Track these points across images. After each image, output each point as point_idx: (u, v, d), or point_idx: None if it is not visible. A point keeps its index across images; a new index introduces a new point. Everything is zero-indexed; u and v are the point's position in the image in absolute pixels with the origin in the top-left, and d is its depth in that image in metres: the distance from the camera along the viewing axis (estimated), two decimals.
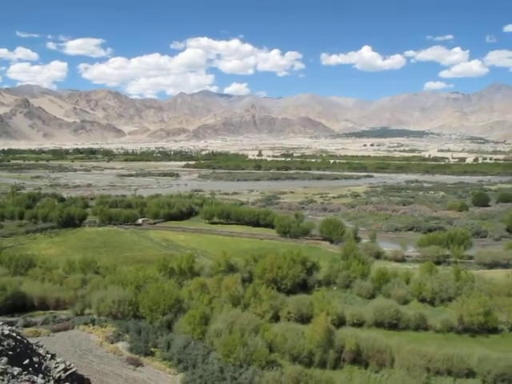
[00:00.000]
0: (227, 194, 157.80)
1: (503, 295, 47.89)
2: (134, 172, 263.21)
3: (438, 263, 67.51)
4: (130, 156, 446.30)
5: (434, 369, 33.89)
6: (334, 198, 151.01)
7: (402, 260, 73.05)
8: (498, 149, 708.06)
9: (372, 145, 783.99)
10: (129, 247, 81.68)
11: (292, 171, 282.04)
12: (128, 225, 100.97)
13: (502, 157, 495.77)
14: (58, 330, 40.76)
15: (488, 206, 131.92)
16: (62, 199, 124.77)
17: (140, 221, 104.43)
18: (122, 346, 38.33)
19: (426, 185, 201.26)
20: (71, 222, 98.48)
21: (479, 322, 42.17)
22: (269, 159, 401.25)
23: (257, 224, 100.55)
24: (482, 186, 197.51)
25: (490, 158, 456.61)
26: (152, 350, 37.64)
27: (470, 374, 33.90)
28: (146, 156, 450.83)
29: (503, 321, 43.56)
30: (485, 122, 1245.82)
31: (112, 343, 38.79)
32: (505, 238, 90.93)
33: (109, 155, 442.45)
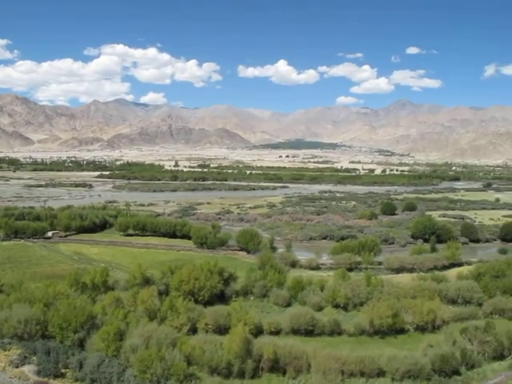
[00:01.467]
0: (143, 205, 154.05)
1: (409, 297, 50.94)
2: (43, 182, 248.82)
3: (351, 270, 70.37)
4: (39, 165, 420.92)
5: (348, 371, 35.20)
6: (250, 208, 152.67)
7: (317, 268, 75.27)
8: (403, 161, 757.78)
9: (287, 156, 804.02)
10: (37, 262, 76.79)
11: (209, 182, 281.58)
12: (36, 238, 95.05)
13: (406, 168, 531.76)
14: None
15: (395, 214, 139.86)
16: None
17: (50, 234, 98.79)
18: (28, 369, 35.73)
19: (338, 195, 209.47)
20: None
21: (388, 324, 44.50)
22: (185, 170, 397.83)
23: (173, 235, 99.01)
24: (389, 195, 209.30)
25: (397, 170, 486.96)
26: (63, 371, 35.52)
27: (381, 373, 35.66)
28: (57, 166, 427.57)
29: (409, 321, 46.28)
30: (391, 136, 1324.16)
31: (17, 367, 36.01)
32: (410, 244, 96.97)
33: (15, 164, 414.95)
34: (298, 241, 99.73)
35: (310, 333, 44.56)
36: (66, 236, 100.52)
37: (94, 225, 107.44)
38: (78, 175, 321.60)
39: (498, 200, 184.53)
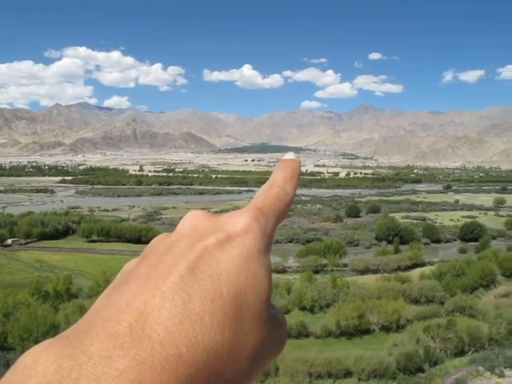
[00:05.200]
0: (107, 210, 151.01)
1: (374, 298, 51.70)
2: (2, 188, 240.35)
3: (317, 272, 70.90)
4: None
5: (315, 373, 35.42)
6: (216, 212, 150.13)
7: (283, 271, 75.49)
8: (367, 164, 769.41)
9: (253, 160, 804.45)
10: None
11: (174, 186, 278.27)
12: None
13: (370, 171, 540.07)
14: None
15: (359, 216, 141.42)
16: None
17: (9, 241, 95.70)
18: None
19: (303, 198, 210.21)
20: None
21: (354, 325, 45.00)
22: (150, 174, 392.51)
23: (138, 241, 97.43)
24: (353, 198, 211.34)
25: (361, 173, 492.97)
26: None
27: (348, 373, 36.05)
28: (17, 171, 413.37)
29: (374, 322, 46.99)
30: (355, 140, 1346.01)
31: None
32: (374, 245, 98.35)
33: None
34: None
35: None
36: (26, 243, 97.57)
37: (56, 231, 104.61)
38: (40, 180, 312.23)
39: (457, 201, 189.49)
